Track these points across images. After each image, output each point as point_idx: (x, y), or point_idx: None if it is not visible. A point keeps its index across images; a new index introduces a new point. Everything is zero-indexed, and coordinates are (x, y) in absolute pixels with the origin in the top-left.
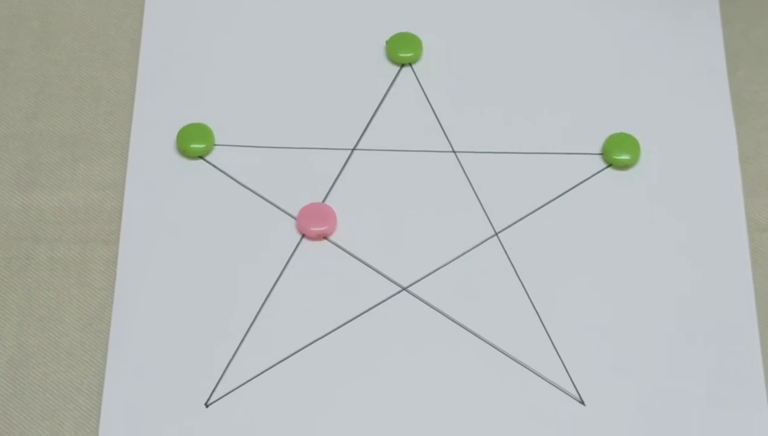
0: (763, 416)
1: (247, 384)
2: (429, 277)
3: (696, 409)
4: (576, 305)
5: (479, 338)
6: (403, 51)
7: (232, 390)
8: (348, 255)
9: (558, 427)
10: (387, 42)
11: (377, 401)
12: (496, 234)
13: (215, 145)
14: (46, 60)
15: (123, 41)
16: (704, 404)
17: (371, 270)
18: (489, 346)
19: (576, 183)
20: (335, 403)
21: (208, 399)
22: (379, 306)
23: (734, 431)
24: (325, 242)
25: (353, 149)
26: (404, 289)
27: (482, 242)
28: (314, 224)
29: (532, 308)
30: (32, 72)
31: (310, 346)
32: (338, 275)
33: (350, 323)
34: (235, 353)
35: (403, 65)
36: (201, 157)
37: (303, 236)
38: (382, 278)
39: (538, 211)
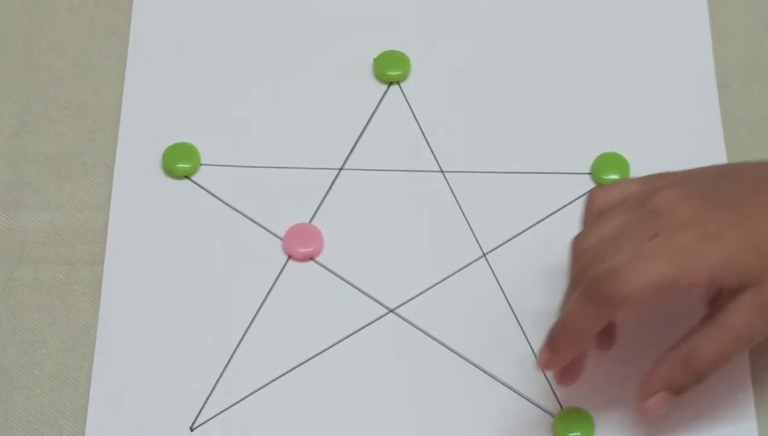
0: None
1: (232, 407)
2: (416, 298)
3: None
4: None
5: (467, 360)
6: (390, 69)
7: (218, 414)
8: (335, 276)
9: None
10: (374, 60)
11: (364, 424)
12: (484, 255)
13: (201, 164)
14: (31, 78)
15: (108, 60)
16: (694, 416)
17: (358, 292)
18: (477, 369)
19: (565, 203)
20: (321, 425)
21: (193, 423)
22: (366, 328)
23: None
24: (311, 262)
25: (340, 169)
26: (391, 311)
27: (470, 263)
28: (301, 245)
29: (520, 330)
30: (16, 90)
31: (296, 369)
32: (325, 297)
33: (337, 345)
34: (221, 376)
35: (390, 83)
36: (187, 177)
37: (289, 256)
38: (369, 299)
39: (527, 231)
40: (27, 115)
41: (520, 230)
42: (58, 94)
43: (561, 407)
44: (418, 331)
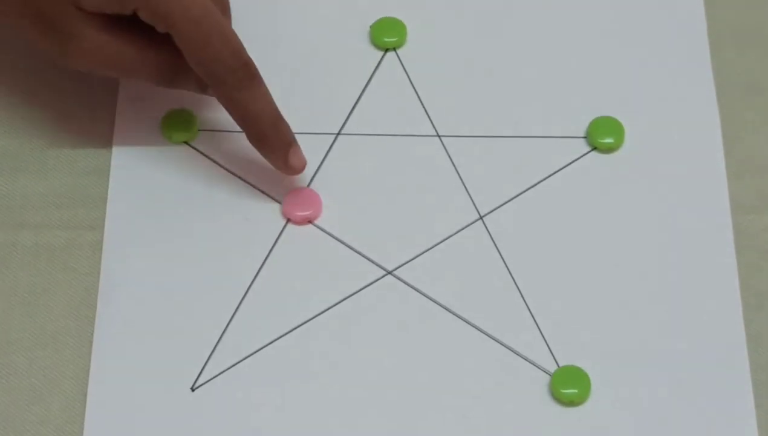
0: (747, 402)
1: (233, 368)
2: (414, 260)
3: (679, 391)
4: (561, 287)
5: (464, 320)
6: (387, 36)
7: (218, 374)
8: (333, 239)
9: (542, 407)
10: (371, 27)
11: (362, 384)
12: (481, 218)
13: (199, 130)
14: (29, 45)
15: None
16: (687, 386)
17: (356, 254)
18: (474, 329)
19: (560, 166)
20: (321, 386)
21: (194, 383)
22: (364, 290)
23: (717, 416)
24: (310, 226)
25: (338, 134)
26: (389, 272)
27: (467, 226)
28: (300, 209)
29: (517, 291)
30: (16, 57)
31: (295, 330)
32: (323, 259)
33: (335, 306)
34: (221, 337)
35: (387, 50)
36: (185, 142)
37: (288, 220)
38: (368, 261)
39: (523, 194)
40: (27, 82)
41: (516, 193)
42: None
43: (557, 365)
44: (415, 292)
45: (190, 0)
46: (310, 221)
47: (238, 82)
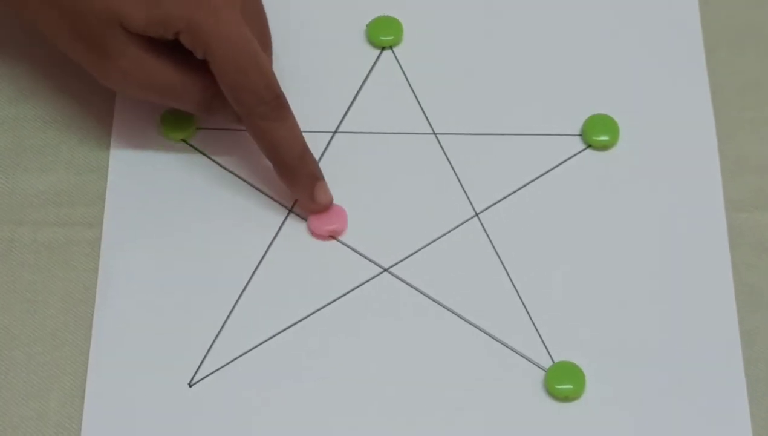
0: (741, 397)
1: (230, 364)
2: (410, 258)
3: (673, 386)
4: (556, 284)
5: (460, 317)
6: (383, 34)
7: (216, 370)
8: (329, 238)
9: (537, 403)
10: (367, 25)
11: (359, 380)
12: (477, 215)
13: (197, 128)
14: (29, 43)
15: None
16: (681, 381)
17: (352, 251)
18: (470, 325)
19: (555, 164)
20: (318, 382)
21: (192, 379)
22: (360, 287)
23: (711, 412)
24: (306, 225)
25: (334, 132)
26: (385, 270)
27: (463, 223)
28: (325, 223)
29: (513, 288)
30: (15, 54)
31: (292, 326)
32: (320, 256)
33: (332, 303)
34: (218, 333)
35: (383, 48)
36: (183, 140)
37: (313, 233)
38: (364, 259)
39: (518, 191)
40: (25, 79)
41: (512, 190)
42: (57, 58)
43: (552, 360)
44: (412, 289)
45: (230, 28)
46: (334, 236)
47: (267, 113)
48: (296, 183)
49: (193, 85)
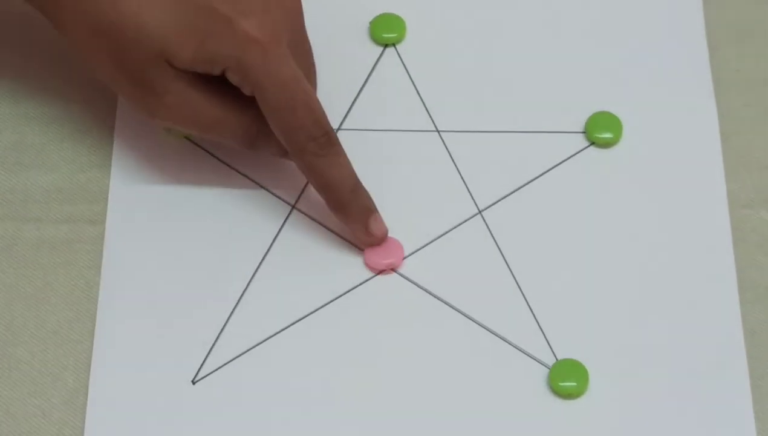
0: (744, 395)
1: (233, 361)
2: (413, 255)
3: (677, 384)
4: (559, 281)
5: (463, 314)
6: (386, 32)
7: (219, 367)
8: (334, 235)
9: (540, 400)
10: (370, 23)
11: (362, 377)
12: (480, 212)
13: None
14: (31, 39)
15: None
16: (685, 379)
17: (355, 248)
18: (472, 322)
19: (559, 161)
20: (320, 379)
21: (195, 376)
22: (364, 284)
23: (714, 409)
24: (310, 221)
25: (337, 129)
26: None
27: (466, 220)
28: (383, 257)
29: (516, 286)
30: (17, 52)
31: (295, 323)
32: (323, 254)
33: (335, 300)
34: (222, 330)
35: (386, 46)
36: (187, 137)
37: (369, 267)
38: None
39: (522, 189)
40: (28, 77)
41: (515, 188)
42: (59, 56)
43: (556, 358)
44: (415, 286)
45: (279, 66)
46: (393, 270)
47: (318, 150)
48: (350, 217)
49: (238, 122)
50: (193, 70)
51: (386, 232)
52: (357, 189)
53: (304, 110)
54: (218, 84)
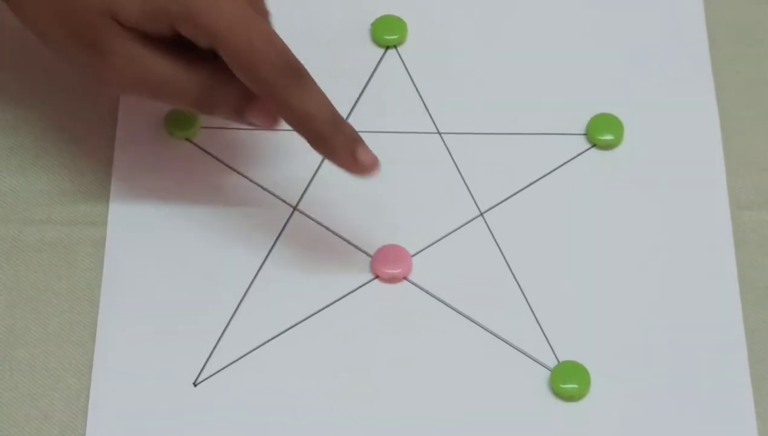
0: (746, 396)
1: (235, 363)
2: (414, 257)
3: (678, 386)
4: (560, 283)
5: (465, 316)
6: (387, 33)
7: (221, 369)
8: (339, 238)
9: (542, 402)
10: (372, 24)
11: (363, 379)
12: (482, 214)
13: (201, 127)
14: (32, 40)
15: None
16: (686, 381)
17: (360, 252)
18: (474, 324)
19: (560, 163)
20: (322, 382)
21: (197, 378)
22: (365, 286)
23: (716, 411)
24: (314, 224)
25: None
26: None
27: (467, 222)
28: (390, 266)
29: (518, 287)
30: (17, 54)
31: (297, 325)
32: (325, 256)
33: (337, 302)
34: (223, 332)
35: (387, 48)
36: (187, 139)
37: (377, 276)
38: (368, 257)
39: (523, 191)
40: (29, 79)
41: (517, 190)
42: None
43: (557, 360)
44: (416, 288)
45: (231, 6)
46: (404, 278)
47: (287, 84)
48: (335, 150)
49: (190, 81)
50: (141, 28)
51: (376, 160)
52: (338, 120)
53: (264, 44)
54: (169, 46)
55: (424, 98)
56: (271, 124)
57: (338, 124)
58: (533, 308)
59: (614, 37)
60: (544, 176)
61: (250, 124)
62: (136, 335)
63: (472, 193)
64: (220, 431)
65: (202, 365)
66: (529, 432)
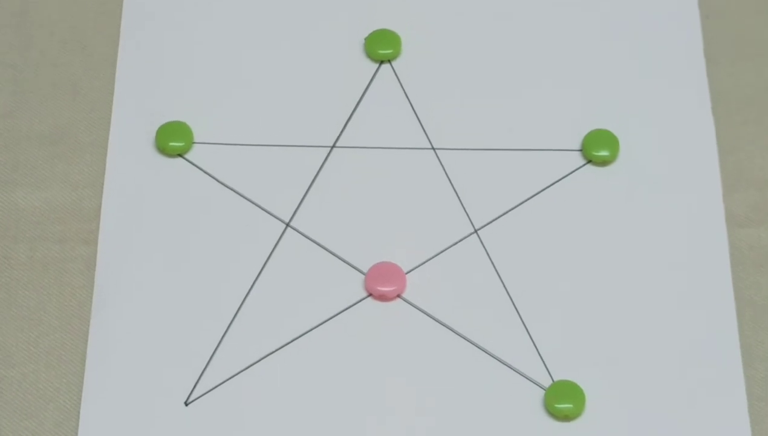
0: (742, 416)
1: (226, 383)
2: (408, 275)
3: (674, 405)
4: (555, 301)
5: (458, 334)
6: (381, 48)
7: (212, 389)
8: (332, 255)
9: (536, 422)
10: (365, 39)
11: (357, 398)
12: (476, 231)
13: (194, 143)
14: (24, 57)
15: (101, 38)
16: (682, 400)
17: (350, 267)
18: (468, 342)
19: (555, 179)
20: (314, 400)
21: (188, 398)
22: (358, 304)
23: (712, 430)
24: (308, 241)
25: (332, 147)
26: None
27: (461, 240)
28: (384, 284)
29: (512, 305)
30: (9, 69)
31: (289, 344)
32: (318, 273)
33: (330, 320)
34: (215, 351)
35: (381, 62)
36: (180, 155)
37: (370, 295)
38: (361, 275)
39: (518, 207)
40: (20, 95)
41: (511, 207)
42: (51, 73)
43: (552, 379)
44: (410, 306)
45: None
46: (398, 295)
47: None
48: None
49: None
50: None
51: None
52: None
53: None
54: None
55: (418, 113)
56: None
57: None
58: (528, 326)
59: (610, 52)
60: (539, 193)
61: None
62: (127, 354)
63: (467, 209)
64: None
65: (193, 384)
66: None
